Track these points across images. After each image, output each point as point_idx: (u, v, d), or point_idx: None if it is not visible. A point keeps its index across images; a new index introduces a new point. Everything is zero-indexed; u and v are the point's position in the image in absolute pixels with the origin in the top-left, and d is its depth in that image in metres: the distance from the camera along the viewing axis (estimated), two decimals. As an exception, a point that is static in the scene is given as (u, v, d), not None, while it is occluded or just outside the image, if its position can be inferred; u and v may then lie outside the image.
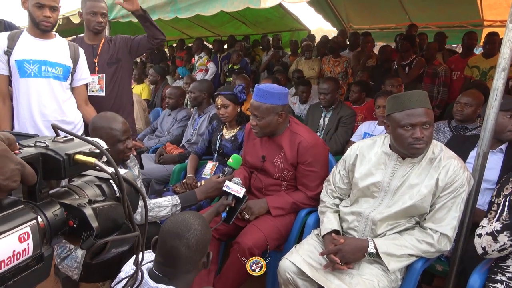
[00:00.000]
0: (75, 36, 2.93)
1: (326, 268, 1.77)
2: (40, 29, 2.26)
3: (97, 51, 2.77)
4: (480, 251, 1.66)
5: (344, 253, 1.73)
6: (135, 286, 1.02)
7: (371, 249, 1.73)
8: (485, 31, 5.66)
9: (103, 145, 0.68)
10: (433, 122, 1.72)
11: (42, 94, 2.31)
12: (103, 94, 2.78)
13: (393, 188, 1.80)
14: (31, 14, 2.23)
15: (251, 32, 8.69)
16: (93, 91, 2.75)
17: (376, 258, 1.74)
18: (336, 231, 1.89)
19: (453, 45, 8.04)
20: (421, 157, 1.77)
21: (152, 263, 1.31)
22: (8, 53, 2.24)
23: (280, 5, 5.31)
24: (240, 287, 2.07)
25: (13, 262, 0.51)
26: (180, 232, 1.26)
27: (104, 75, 2.78)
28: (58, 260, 1.86)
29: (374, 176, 1.85)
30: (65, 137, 0.65)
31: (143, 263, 1.01)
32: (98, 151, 0.65)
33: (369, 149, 1.93)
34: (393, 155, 1.82)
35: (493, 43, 4.18)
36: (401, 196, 1.77)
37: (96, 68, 2.75)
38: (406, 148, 1.72)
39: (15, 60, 2.24)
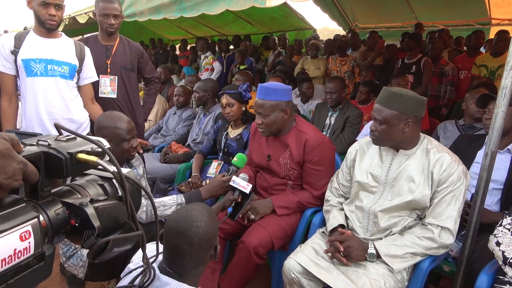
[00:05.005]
0: (81, 36, 2.93)
1: (327, 252, 1.79)
2: (46, 28, 2.27)
3: (111, 52, 2.76)
4: (501, 261, 1.63)
5: (350, 244, 1.76)
6: (147, 283, 1.02)
7: (371, 250, 1.74)
8: (493, 30, 5.62)
9: (106, 144, 0.68)
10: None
11: (48, 93, 2.33)
12: (114, 96, 2.78)
13: (390, 180, 1.82)
14: (36, 14, 2.24)
15: (257, 31, 8.68)
16: (104, 93, 2.74)
17: (375, 260, 1.74)
18: (342, 226, 1.90)
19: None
20: (416, 148, 1.80)
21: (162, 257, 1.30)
22: (15, 52, 2.25)
23: (285, 4, 5.30)
24: (245, 286, 2.07)
25: (14, 260, 0.51)
26: (182, 230, 1.22)
27: (116, 77, 2.77)
28: (64, 259, 1.86)
29: (373, 170, 1.88)
30: (67, 136, 0.65)
31: (152, 256, 1.01)
32: (100, 150, 0.64)
33: (369, 145, 1.97)
34: (389, 149, 1.86)
35: (505, 41, 4.11)
36: (401, 189, 1.78)
37: (108, 70, 2.74)
38: None
39: (22, 60, 2.26)
